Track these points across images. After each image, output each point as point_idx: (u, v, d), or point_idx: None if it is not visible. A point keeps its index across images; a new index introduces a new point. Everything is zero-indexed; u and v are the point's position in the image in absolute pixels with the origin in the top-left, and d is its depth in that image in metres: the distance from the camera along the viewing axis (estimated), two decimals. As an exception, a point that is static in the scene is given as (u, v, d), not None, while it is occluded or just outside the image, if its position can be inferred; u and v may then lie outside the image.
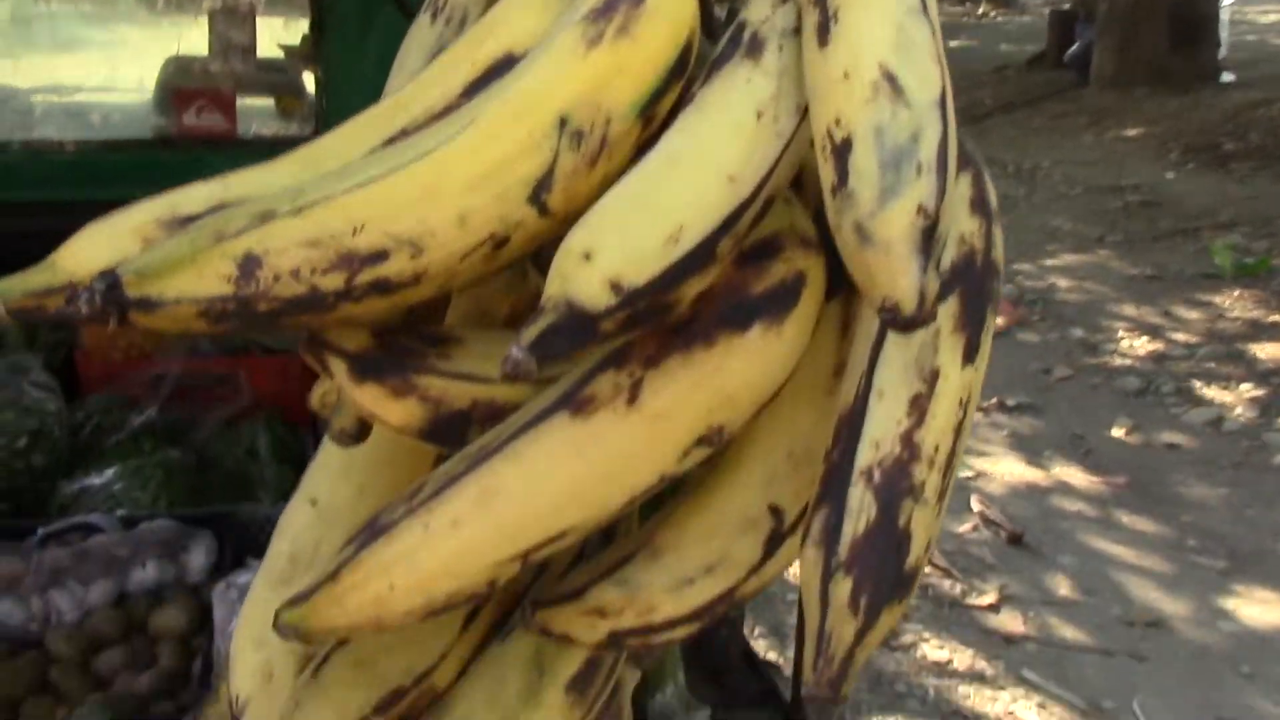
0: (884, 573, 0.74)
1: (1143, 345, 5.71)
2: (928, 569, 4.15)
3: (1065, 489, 4.55)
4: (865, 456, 0.76)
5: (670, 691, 1.04)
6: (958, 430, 0.78)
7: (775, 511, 0.86)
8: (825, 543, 0.75)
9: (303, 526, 0.98)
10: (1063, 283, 6.63)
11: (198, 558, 2.26)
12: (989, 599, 3.89)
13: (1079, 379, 5.41)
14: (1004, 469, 4.67)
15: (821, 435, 0.82)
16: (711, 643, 1.32)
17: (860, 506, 0.75)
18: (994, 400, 5.10)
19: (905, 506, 0.75)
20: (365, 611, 0.77)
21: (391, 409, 0.82)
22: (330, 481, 0.99)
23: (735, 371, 0.79)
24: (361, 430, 0.88)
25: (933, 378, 0.77)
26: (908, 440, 0.76)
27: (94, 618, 2.14)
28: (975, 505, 4.38)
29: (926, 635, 3.75)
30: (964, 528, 4.29)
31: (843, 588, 0.74)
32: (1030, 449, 4.83)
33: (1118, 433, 4.91)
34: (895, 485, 0.75)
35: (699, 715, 1.05)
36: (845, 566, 0.75)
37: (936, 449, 0.76)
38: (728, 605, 0.88)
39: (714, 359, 0.79)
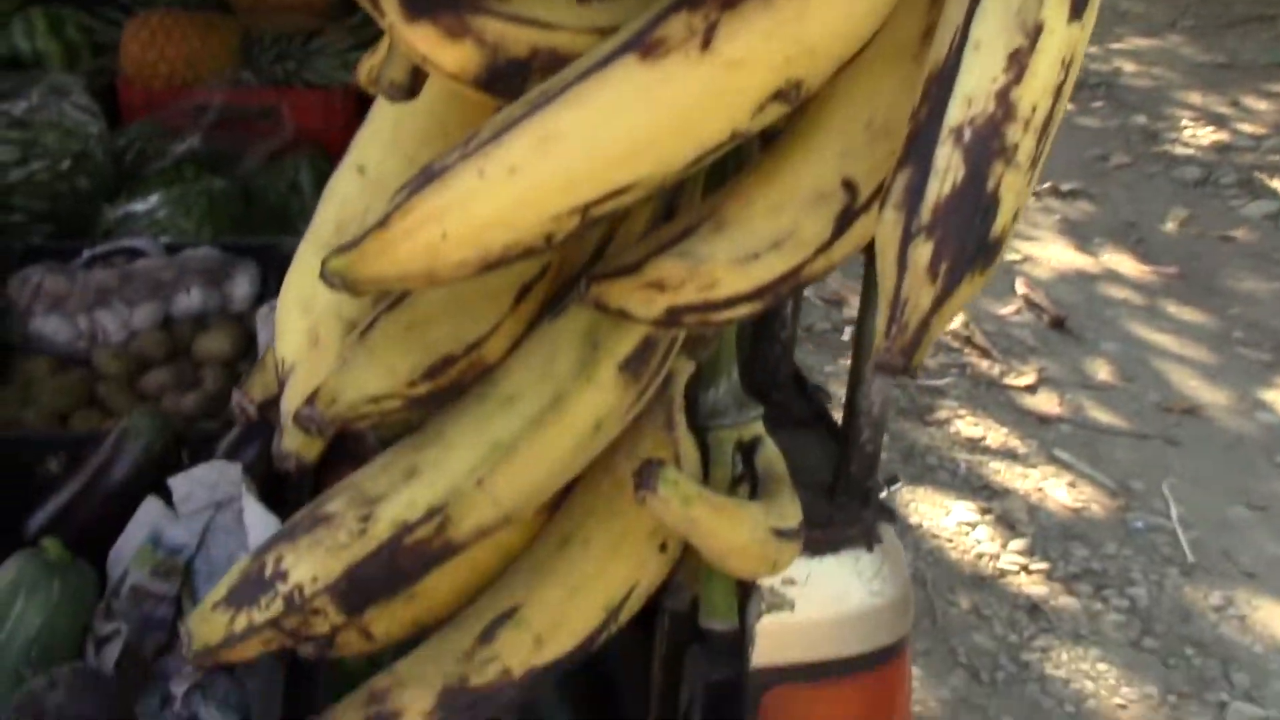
0: (967, 238, 0.70)
1: (1206, 135, 5.51)
2: (966, 348, 4.13)
3: (1113, 276, 4.47)
4: (956, 114, 0.70)
5: (724, 388, 1.02)
6: (1058, 93, 0.72)
7: (849, 186, 0.81)
8: (907, 204, 0.70)
9: (350, 193, 0.94)
10: (1129, 67, 6.37)
11: (241, 286, 2.25)
12: (1027, 380, 3.88)
13: (1137, 167, 5.25)
14: (1052, 254, 4.59)
15: (903, 106, 0.76)
16: (761, 362, 1.30)
17: (947, 166, 0.70)
18: (1047, 185, 4.97)
19: (995, 169, 0.70)
20: (416, 261, 0.73)
21: (445, 53, 0.76)
22: (380, 150, 0.94)
23: (817, 19, 0.73)
24: (413, 82, 0.82)
25: (1035, 32, 0.71)
26: (1003, 98, 0.70)
27: (139, 339, 2.15)
28: (1020, 288, 4.32)
29: (961, 412, 3.75)
30: (1007, 310, 4.24)
31: (922, 252, 0.70)
32: (1081, 235, 4.73)
33: (1172, 223, 4.79)
34: (986, 145, 0.70)
35: (752, 413, 1.02)
36: (926, 229, 0.70)
37: (1034, 110, 0.70)
38: (792, 285, 0.84)
39: (795, 4, 0.72)
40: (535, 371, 0.89)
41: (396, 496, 0.85)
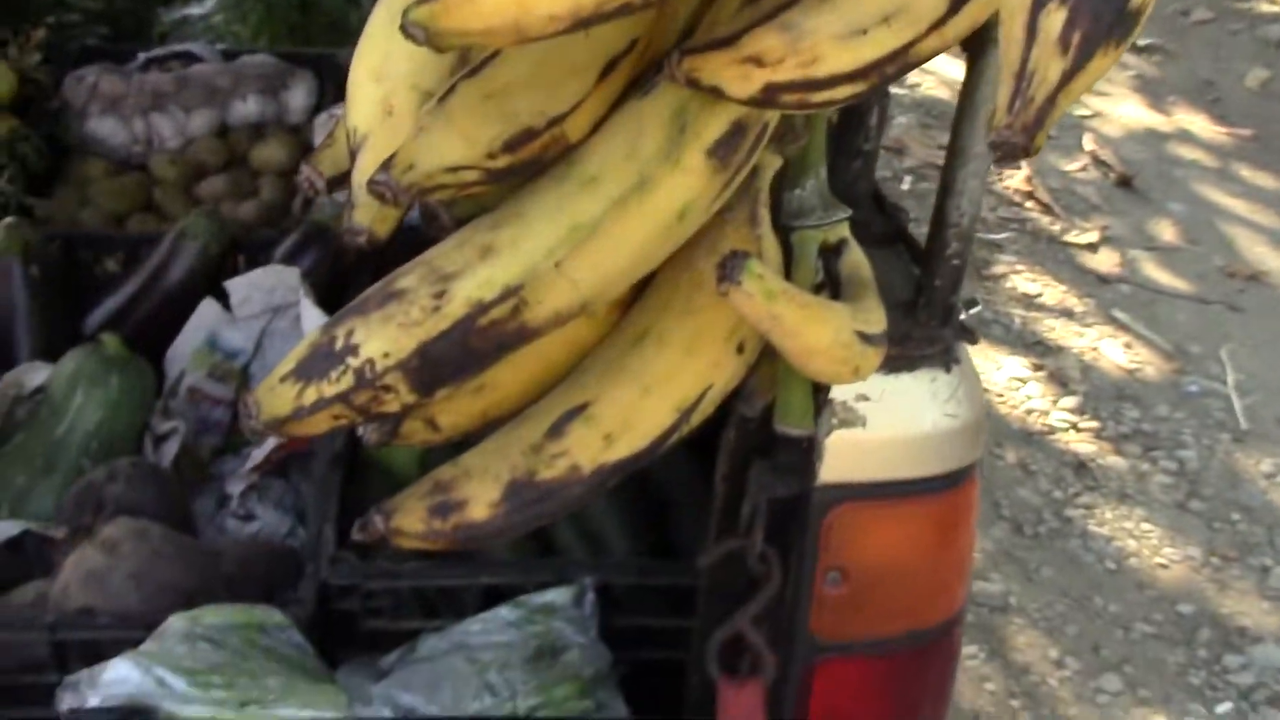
0: (1105, 5, 0.64)
1: (1295, -8, 5.26)
2: (1027, 203, 4.02)
3: (1185, 136, 4.32)
4: None
5: (810, 186, 0.97)
6: None
7: (969, -44, 0.75)
8: (1040, -34, 0.65)
9: (429, -46, 0.88)
10: (1217, -80, 6.06)
11: (298, 96, 2.20)
12: (1088, 238, 3.78)
13: (1219, 23, 5.02)
14: (1123, 111, 4.43)
15: None
16: (840, 176, 1.24)
17: (1088, -76, 0.64)
18: (1123, 39, 4.77)
19: (1140, -71, 0.64)
20: (503, 12, 0.68)
21: None
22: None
23: None
24: None
25: None
26: None
27: (195, 145, 2.12)
28: (1088, 144, 4.19)
29: (1019, 268, 3.67)
30: (1073, 166, 4.12)
31: (1054, 20, 0.64)
32: (1154, 92, 4.56)
33: (1251, 83, 4.60)
34: (1133, -99, 0.63)
35: (838, 214, 0.98)
36: (1060, -6, 0.64)
37: None
38: (900, 66, 0.79)
39: None
40: (619, 152, 0.84)
41: (471, 275, 0.82)
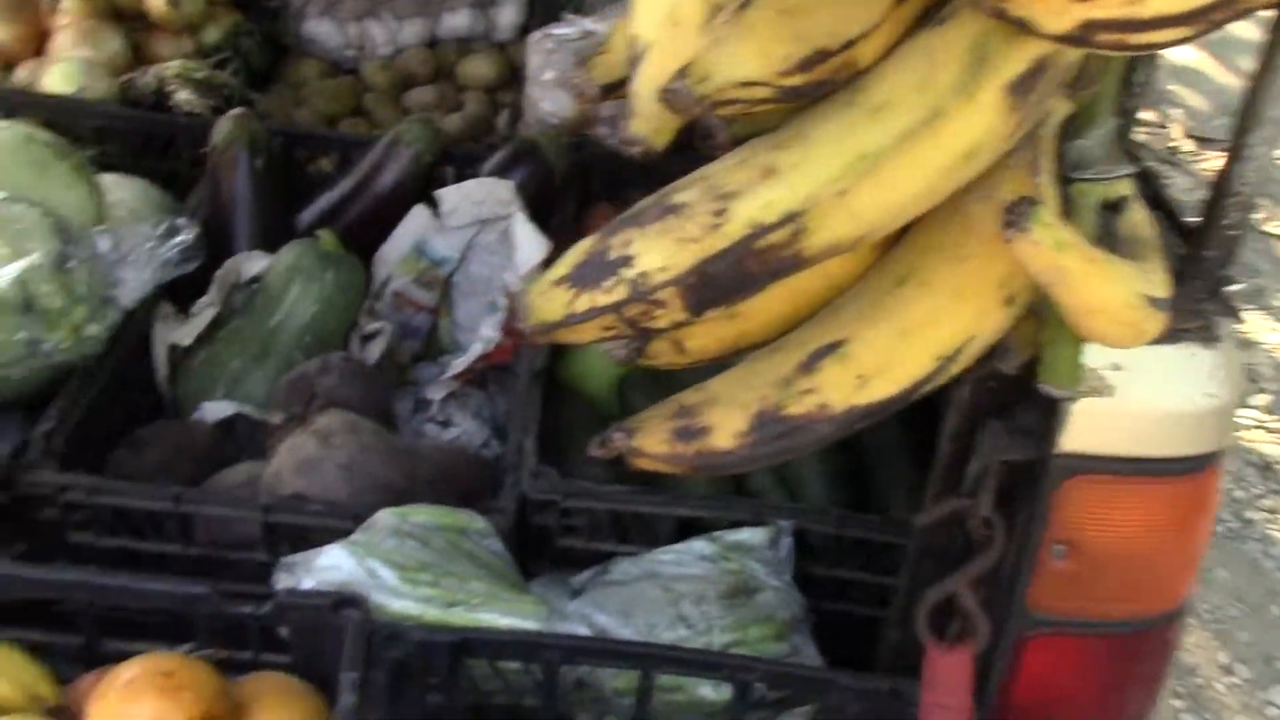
0: None
1: None
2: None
3: None
4: None
5: (1096, 137, 0.92)
6: None
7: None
8: None
9: None
10: None
11: (508, 14, 2.20)
12: (1288, 229, 3.59)
13: None
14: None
15: None
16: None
17: None
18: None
19: None
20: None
21: None
22: None
23: None
24: None
25: None
26: None
27: (405, 55, 2.14)
28: (1301, 131, 3.95)
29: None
30: (1276, 151, 3.89)
31: None
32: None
33: None
34: None
35: (1123, 169, 0.92)
36: None
37: None
38: (1231, 14, 0.73)
39: None
40: (911, 82, 0.80)
41: (753, 195, 0.79)
